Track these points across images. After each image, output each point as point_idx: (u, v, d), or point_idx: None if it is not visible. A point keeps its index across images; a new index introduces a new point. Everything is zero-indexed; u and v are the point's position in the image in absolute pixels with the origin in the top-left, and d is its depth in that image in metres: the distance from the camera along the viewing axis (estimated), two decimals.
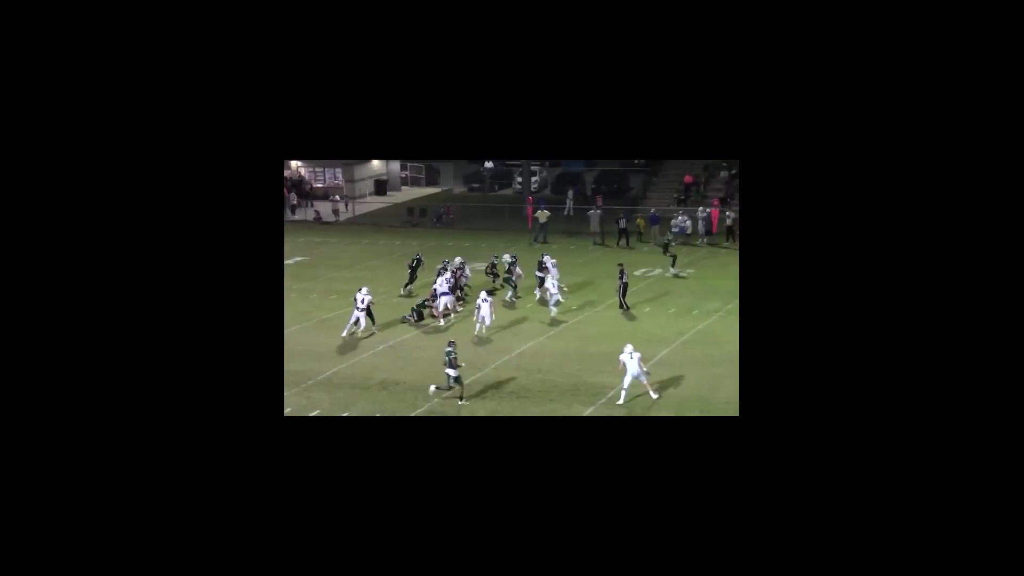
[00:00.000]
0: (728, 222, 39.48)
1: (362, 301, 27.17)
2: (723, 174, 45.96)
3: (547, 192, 50.71)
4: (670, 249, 35.37)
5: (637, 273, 34.00)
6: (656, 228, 39.80)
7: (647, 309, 29.97)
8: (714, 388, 22.75)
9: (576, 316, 29.30)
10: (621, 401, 21.83)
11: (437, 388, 22.35)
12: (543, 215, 40.97)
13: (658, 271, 34.87)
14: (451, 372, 22.01)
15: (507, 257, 31.63)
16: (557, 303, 28.82)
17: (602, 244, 39.79)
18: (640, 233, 39.76)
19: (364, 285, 28.20)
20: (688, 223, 40.35)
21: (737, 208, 39.37)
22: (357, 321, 27.21)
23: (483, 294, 27.66)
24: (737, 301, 30.28)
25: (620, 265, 30.52)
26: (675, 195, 45.53)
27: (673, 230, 39.33)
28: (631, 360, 21.97)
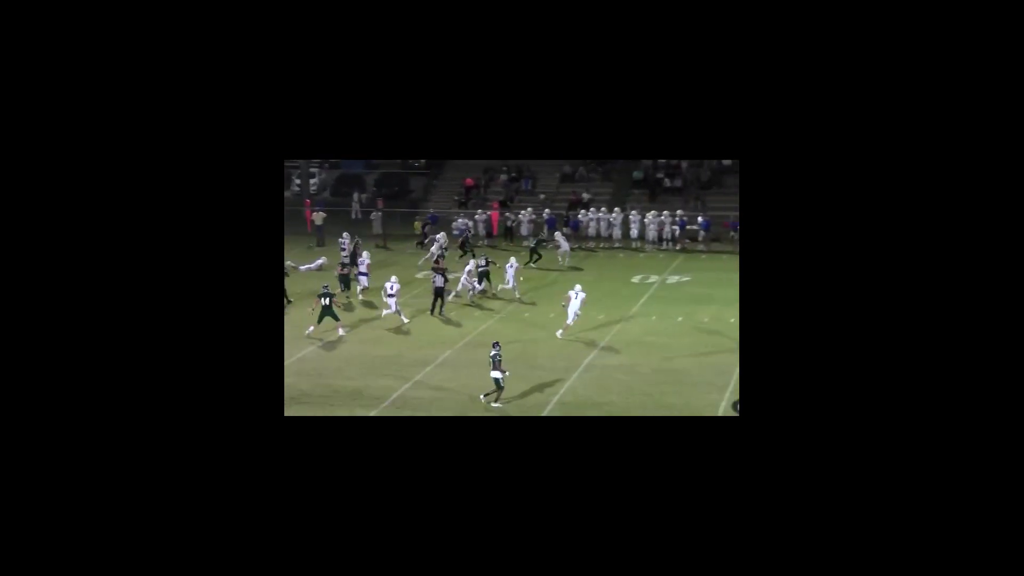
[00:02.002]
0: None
1: (391, 288, 28.25)
2: (502, 178, 46.54)
3: (326, 194, 50.08)
4: (538, 249, 36.13)
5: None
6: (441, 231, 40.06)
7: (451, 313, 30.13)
8: (487, 387, 22.95)
9: (369, 320, 29.09)
10: (559, 334, 26.17)
11: (486, 395, 21.84)
12: (319, 217, 40.60)
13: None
14: (496, 375, 21.62)
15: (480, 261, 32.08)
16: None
17: (384, 247, 39.57)
18: (421, 236, 39.82)
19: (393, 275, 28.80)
20: (469, 225, 40.78)
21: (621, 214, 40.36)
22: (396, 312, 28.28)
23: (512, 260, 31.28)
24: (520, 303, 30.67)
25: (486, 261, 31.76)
26: (456, 198, 45.82)
27: (454, 232, 39.61)
28: (575, 298, 26.27)
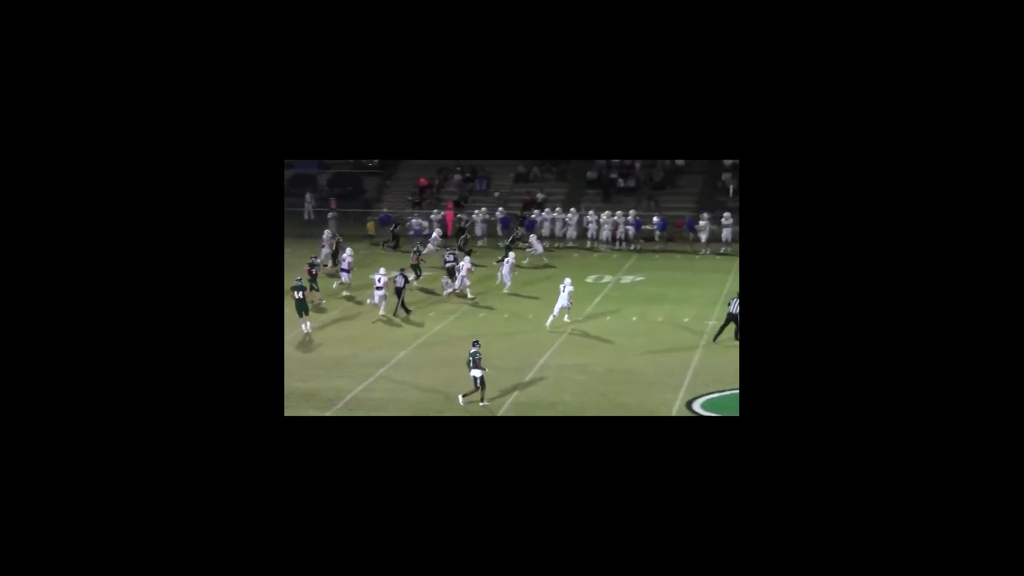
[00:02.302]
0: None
1: (379, 281, 28.83)
2: (457, 178, 46.42)
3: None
4: (512, 247, 35.89)
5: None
6: (388, 228, 39.87)
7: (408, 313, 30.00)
8: (449, 386, 22.86)
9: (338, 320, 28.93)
10: (548, 324, 27.52)
11: (465, 395, 21.83)
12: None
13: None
14: (476, 373, 21.58)
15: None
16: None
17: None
18: (371, 235, 39.63)
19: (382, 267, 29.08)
20: (424, 224, 40.64)
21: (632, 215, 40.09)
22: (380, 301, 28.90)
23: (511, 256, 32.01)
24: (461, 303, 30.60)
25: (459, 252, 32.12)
26: (409, 198, 45.63)
27: (409, 233, 39.45)
28: (563, 292, 27.28)
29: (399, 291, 29.31)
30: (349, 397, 22.50)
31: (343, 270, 32.35)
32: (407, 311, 29.29)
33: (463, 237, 37.60)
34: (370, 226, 40.40)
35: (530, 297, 31.31)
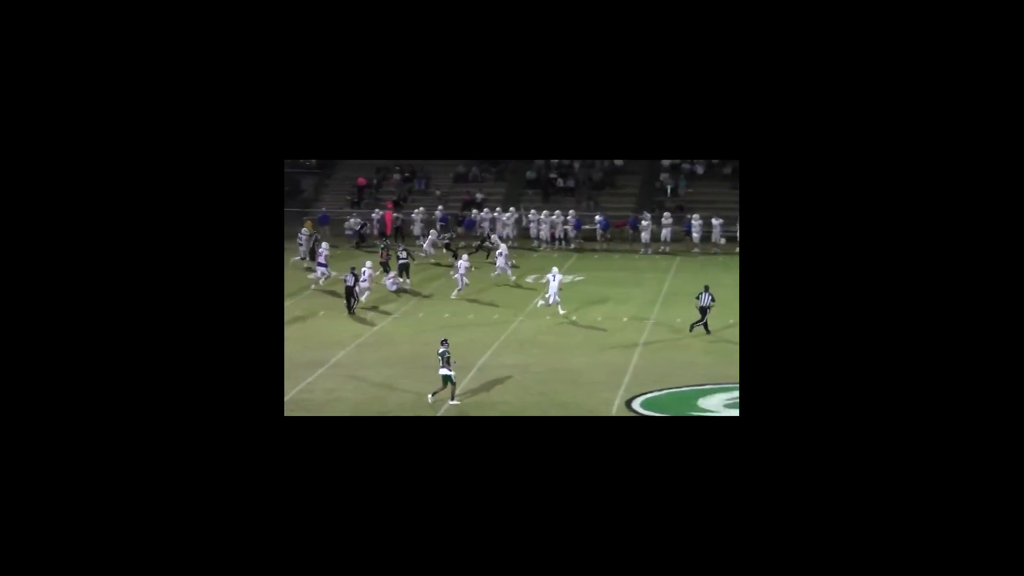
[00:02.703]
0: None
1: (364, 275, 29.71)
2: (396, 177, 46.19)
3: None
4: (452, 246, 36.07)
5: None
6: (325, 228, 39.67)
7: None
8: (390, 389, 22.69)
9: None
10: (539, 304, 29.16)
11: (434, 394, 21.84)
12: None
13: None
14: (445, 371, 21.62)
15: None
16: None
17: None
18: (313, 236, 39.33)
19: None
20: (361, 224, 40.42)
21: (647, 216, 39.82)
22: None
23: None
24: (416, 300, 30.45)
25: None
26: (348, 197, 45.31)
27: (347, 233, 39.24)
28: (553, 280, 28.57)
29: (350, 290, 29.20)
30: (287, 398, 22.27)
31: (320, 264, 32.67)
32: (351, 311, 29.15)
33: (448, 236, 37.59)
34: (308, 224, 40.05)
35: (471, 300, 31.27)
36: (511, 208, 41.94)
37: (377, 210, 42.13)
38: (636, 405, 21.90)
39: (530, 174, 45.88)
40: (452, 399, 21.87)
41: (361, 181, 45.90)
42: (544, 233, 40.17)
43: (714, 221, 39.04)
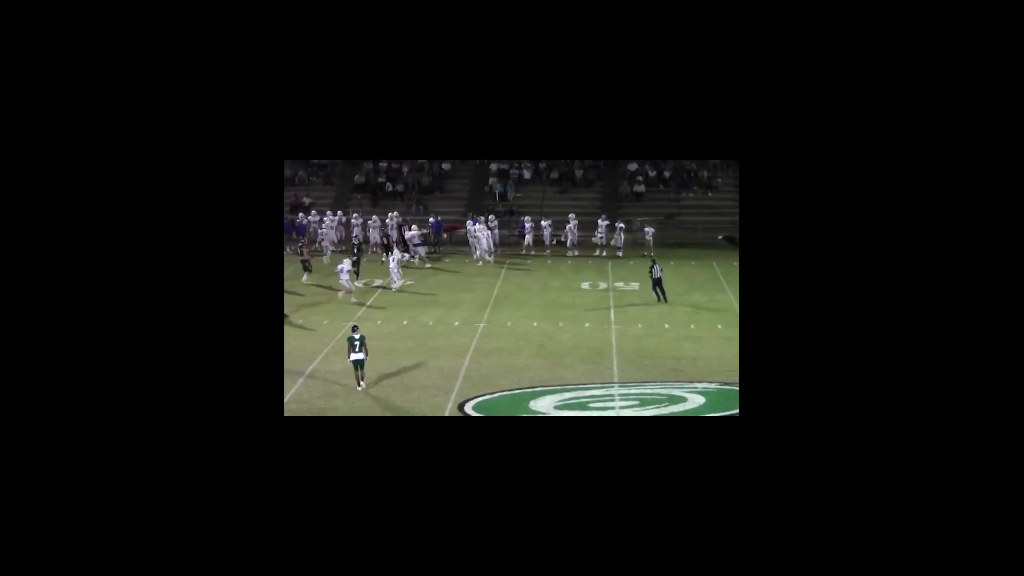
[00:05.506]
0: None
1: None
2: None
3: None
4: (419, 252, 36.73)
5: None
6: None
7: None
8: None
9: None
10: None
11: (360, 382, 22.91)
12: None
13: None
14: (358, 356, 22.68)
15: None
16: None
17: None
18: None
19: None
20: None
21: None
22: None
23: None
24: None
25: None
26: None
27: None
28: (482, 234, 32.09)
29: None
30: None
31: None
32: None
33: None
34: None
35: (309, 306, 30.87)
36: (338, 212, 41.54)
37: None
38: (468, 408, 21.94)
39: (358, 178, 45.52)
40: (360, 384, 22.84)
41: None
42: (376, 237, 39.95)
43: (543, 222, 40.08)
